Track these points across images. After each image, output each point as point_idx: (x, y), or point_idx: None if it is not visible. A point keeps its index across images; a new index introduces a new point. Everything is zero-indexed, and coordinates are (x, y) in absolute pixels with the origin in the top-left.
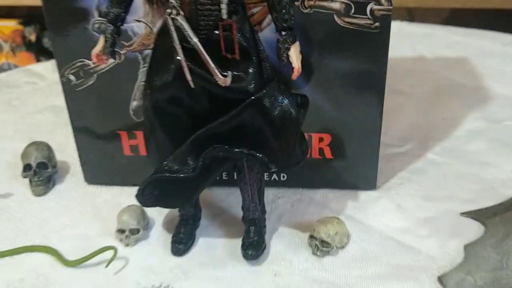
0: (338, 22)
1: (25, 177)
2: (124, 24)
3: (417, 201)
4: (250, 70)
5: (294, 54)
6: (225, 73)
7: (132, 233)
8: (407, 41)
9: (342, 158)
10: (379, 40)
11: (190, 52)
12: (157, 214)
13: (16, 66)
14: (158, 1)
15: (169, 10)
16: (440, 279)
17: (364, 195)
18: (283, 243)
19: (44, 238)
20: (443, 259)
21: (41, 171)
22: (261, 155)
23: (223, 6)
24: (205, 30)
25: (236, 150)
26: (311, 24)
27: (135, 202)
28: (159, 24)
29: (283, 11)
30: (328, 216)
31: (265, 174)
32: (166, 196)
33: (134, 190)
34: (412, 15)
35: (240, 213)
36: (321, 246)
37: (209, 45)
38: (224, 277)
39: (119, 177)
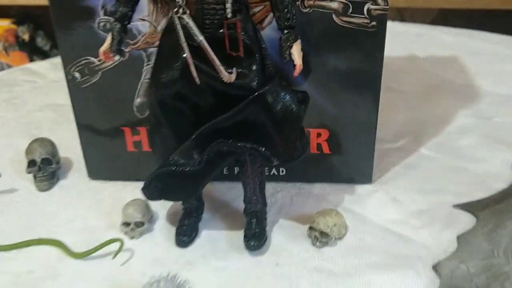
0: (336, 21)
1: (29, 172)
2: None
3: (411, 194)
4: (253, 68)
5: (296, 52)
6: (229, 70)
7: (137, 226)
8: (399, 40)
9: (339, 153)
10: (375, 39)
11: (195, 50)
12: (160, 208)
13: (9, 66)
14: (162, 1)
15: (175, 9)
16: (435, 267)
17: (360, 188)
18: (283, 235)
19: (50, 232)
20: (437, 249)
21: (45, 167)
22: (263, 150)
23: (228, 6)
24: (210, 29)
25: (240, 144)
26: (310, 23)
27: (138, 196)
28: (163, 23)
29: (286, 10)
30: (326, 209)
31: (265, 168)
32: (171, 189)
33: (137, 185)
34: (402, 15)
35: (241, 207)
36: (321, 237)
37: (214, 43)
38: (228, 267)
39: (122, 173)
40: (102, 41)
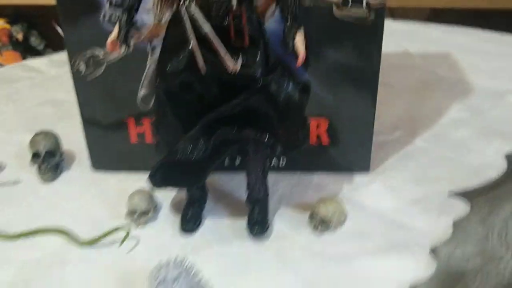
0: (336, 14)
1: (33, 164)
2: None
3: (407, 183)
4: (257, 58)
5: (300, 40)
6: (234, 60)
7: (142, 214)
8: (392, 37)
9: (338, 143)
10: (373, 32)
11: (201, 40)
12: (164, 198)
13: (1, 65)
14: None
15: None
16: (432, 251)
17: (358, 178)
18: (284, 223)
19: (55, 222)
20: (434, 234)
21: (49, 159)
22: (267, 138)
23: None
24: (216, 19)
25: (244, 132)
26: (310, 16)
27: (142, 187)
28: (167, 14)
29: None
30: (326, 197)
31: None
32: (177, 177)
33: (140, 176)
34: (393, 14)
35: (242, 196)
36: (321, 224)
37: (219, 33)
38: (232, 253)
39: (125, 164)
40: (108, 34)
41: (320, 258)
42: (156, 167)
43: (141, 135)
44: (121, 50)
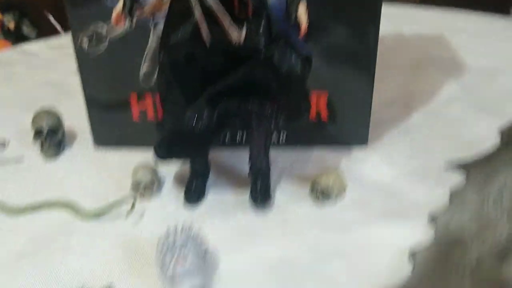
0: None
1: (36, 141)
2: None
3: (404, 156)
4: (261, 30)
5: (302, 12)
6: (238, 31)
7: (147, 187)
8: (385, 20)
9: (337, 118)
10: (372, 9)
11: (205, 12)
12: (167, 173)
13: None
14: None
15: None
16: (430, 219)
17: (357, 152)
18: (286, 195)
19: (60, 197)
20: (431, 203)
21: (52, 136)
22: (270, 108)
23: None
24: None
25: (248, 102)
26: None
27: (145, 161)
28: None
29: None
30: (327, 169)
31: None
32: (182, 148)
33: (142, 153)
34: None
35: (243, 172)
36: (322, 195)
37: (223, 5)
38: (236, 224)
39: (127, 141)
40: (110, 9)
41: (322, 227)
42: (161, 139)
43: (143, 112)
44: (126, 24)
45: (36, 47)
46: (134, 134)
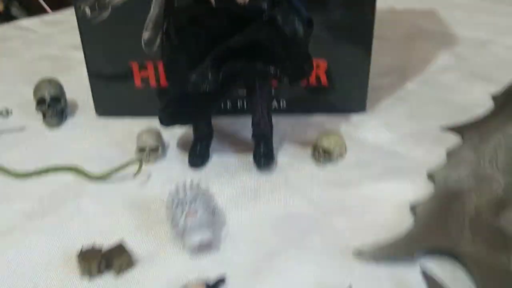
0: None
1: (39, 110)
2: None
3: (402, 120)
4: None
5: None
6: None
7: (152, 151)
8: None
9: (336, 84)
10: None
11: None
12: (171, 137)
13: None
14: None
15: None
16: (428, 176)
17: (356, 117)
18: (288, 157)
19: (66, 162)
20: (429, 161)
21: (55, 105)
22: (274, 68)
23: None
24: None
25: (252, 63)
26: None
27: (149, 126)
28: None
29: None
30: (328, 131)
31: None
32: (186, 112)
33: (143, 120)
34: None
35: (246, 137)
36: (323, 156)
37: None
38: (241, 183)
39: (129, 109)
40: None
41: (325, 185)
42: (164, 106)
43: (145, 80)
44: None
45: (32, 23)
46: (136, 102)
